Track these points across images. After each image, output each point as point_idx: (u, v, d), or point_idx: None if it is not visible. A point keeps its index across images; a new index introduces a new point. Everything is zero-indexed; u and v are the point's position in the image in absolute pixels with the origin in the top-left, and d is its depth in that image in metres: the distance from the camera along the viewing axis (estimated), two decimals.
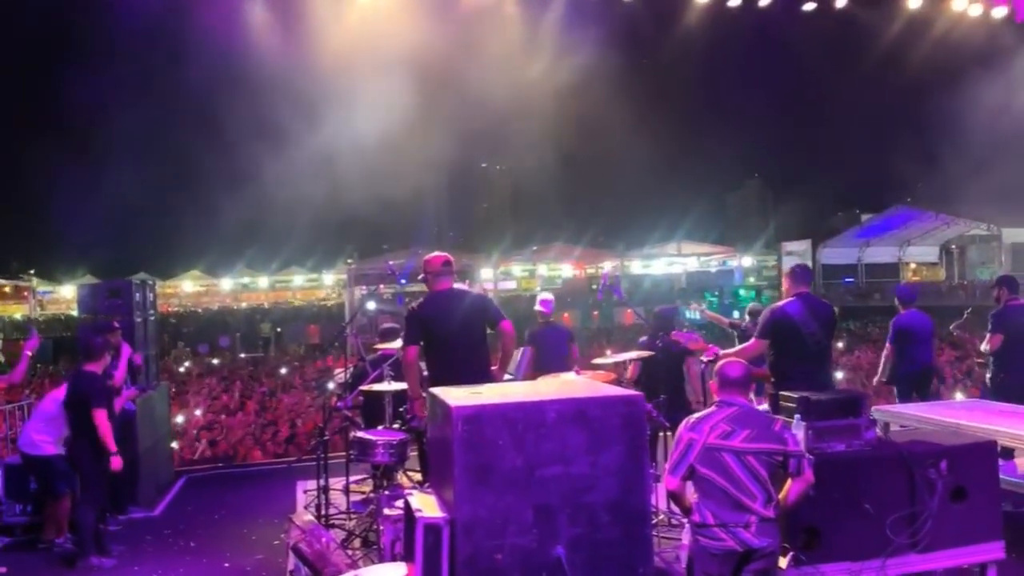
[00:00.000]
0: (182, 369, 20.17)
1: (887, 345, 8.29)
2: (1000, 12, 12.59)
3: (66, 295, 50.58)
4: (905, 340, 8.17)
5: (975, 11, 12.52)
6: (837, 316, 5.90)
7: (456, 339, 5.36)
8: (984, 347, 7.49)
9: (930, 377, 8.37)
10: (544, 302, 7.98)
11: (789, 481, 3.92)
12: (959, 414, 5.78)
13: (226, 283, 57.04)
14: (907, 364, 8.13)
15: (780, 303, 5.76)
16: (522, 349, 7.46)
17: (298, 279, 57.64)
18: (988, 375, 7.53)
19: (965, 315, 9.57)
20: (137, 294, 8.28)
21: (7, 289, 51.86)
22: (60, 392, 6.63)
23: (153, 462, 8.19)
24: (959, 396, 10.52)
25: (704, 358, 6.15)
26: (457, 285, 5.78)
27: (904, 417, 6.03)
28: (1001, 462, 5.32)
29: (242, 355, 24.37)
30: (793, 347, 5.54)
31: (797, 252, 37.62)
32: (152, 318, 8.84)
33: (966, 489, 4.55)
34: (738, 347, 5.95)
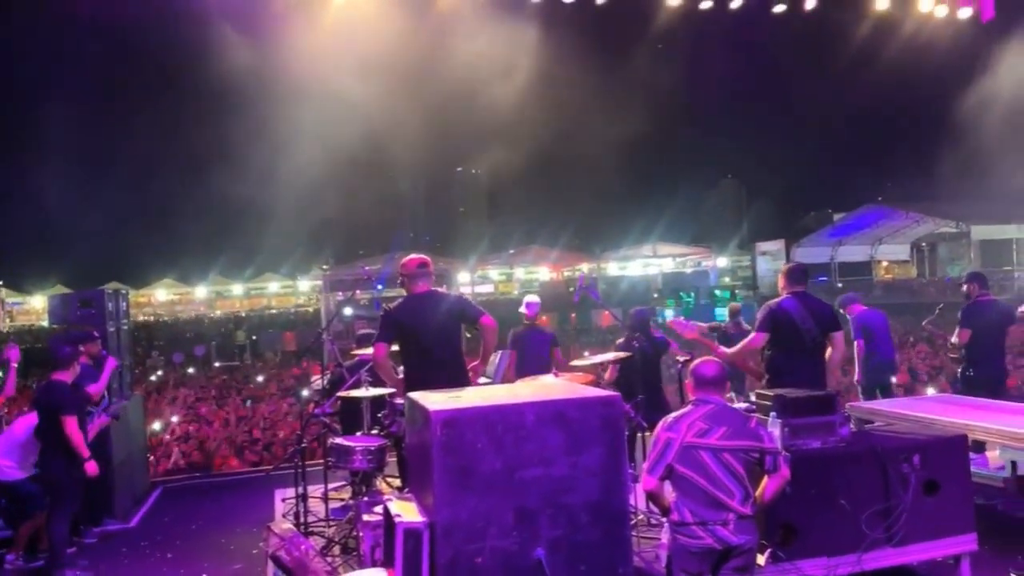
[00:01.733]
0: (155, 378, 19.93)
1: (856, 342, 8.41)
2: (966, 13, 12.81)
3: (36, 306, 49.86)
4: (868, 336, 8.32)
5: (941, 12, 12.73)
6: (837, 315, 5.99)
7: (432, 342, 5.34)
8: (954, 340, 7.63)
9: (892, 372, 8.52)
10: (529, 305, 8.03)
11: (765, 478, 3.96)
12: (931, 409, 5.87)
13: (200, 291, 56.58)
14: (872, 359, 8.28)
15: (777, 299, 5.82)
16: (501, 352, 7.47)
17: (273, 286, 57.31)
18: (959, 369, 7.67)
19: (937, 311, 9.73)
20: (109, 303, 8.19)
21: None
22: (31, 418, 6.51)
23: (128, 473, 8.09)
24: (931, 391, 10.69)
25: (679, 358, 6.19)
26: (436, 288, 5.77)
27: (877, 413, 6.10)
28: (972, 455, 5.42)
29: (217, 363, 24.13)
30: (789, 344, 5.60)
31: (771, 252, 38.03)
32: (125, 327, 8.74)
33: (938, 483, 4.62)
34: (741, 343, 5.99)
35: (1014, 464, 6.17)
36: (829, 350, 5.73)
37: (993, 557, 5.04)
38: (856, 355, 8.47)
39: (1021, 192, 33.68)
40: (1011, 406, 6.14)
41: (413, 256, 5.73)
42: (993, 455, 6.56)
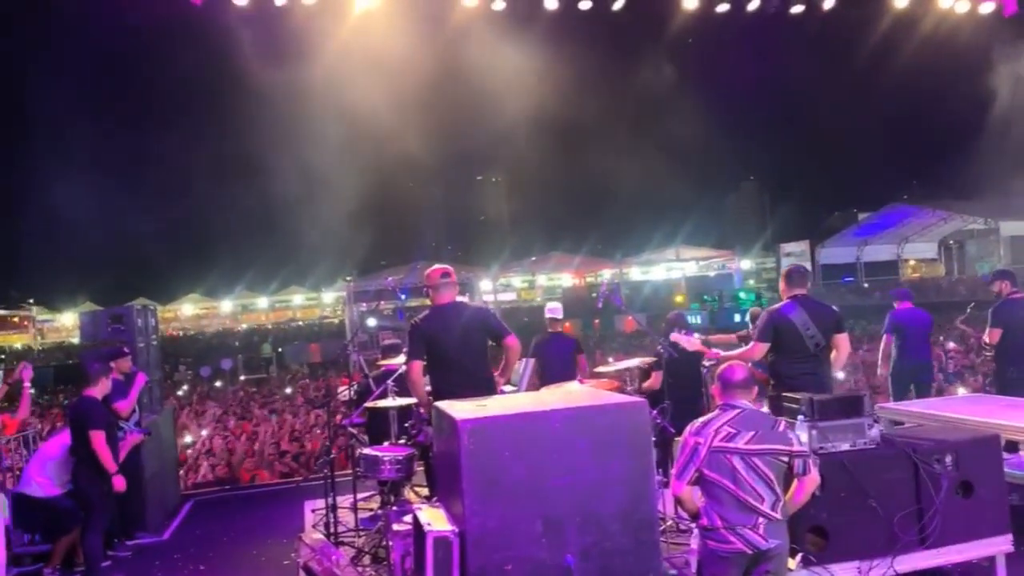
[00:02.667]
0: (182, 392, 20.16)
1: (884, 336, 8.33)
2: (988, 7, 12.65)
3: (66, 323, 50.65)
4: (902, 335, 8.22)
5: (962, 7, 12.59)
6: (840, 316, 5.92)
7: (458, 353, 5.37)
8: (985, 339, 7.53)
9: (928, 373, 8.40)
10: (552, 309, 8.20)
11: (795, 482, 3.94)
12: (962, 409, 5.80)
13: (226, 305, 57.19)
14: (902, 359, 8.18)
15: (777, 305, 5.78)
16: (525, 360, 7.48)
17: (298, 298, 57.78)
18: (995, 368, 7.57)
19: (969, 309, 9.61)
20: (139, 319, 8.30)
21: (11, 319, 51.92)
22: (65, 435, 6.63)
23: (160, 487, 8.19)
24: (962, 391, 10.54)
25: (706, 362, 6.16)
26: (460, 298, 5.80)
27: (907, 414, 6.04)
28: (1006, 455, 5.34)
29: (244, 377, 24.36)
30: (792, 349, 5.56)
31: (795, 253, 37.73)
32: (154, 343, 8.86)
33: (972, 484, 4.56)
34: (738, 351, 5.96)
35: None
36: (834, 352, 5.67)
37: None
38: (882, 349, 8.39)
39: None
40: None
41: (436, 267, 5.77)
42: None
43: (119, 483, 6.15)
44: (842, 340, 5.74)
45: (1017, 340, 7.26)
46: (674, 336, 6.63)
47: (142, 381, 7.42)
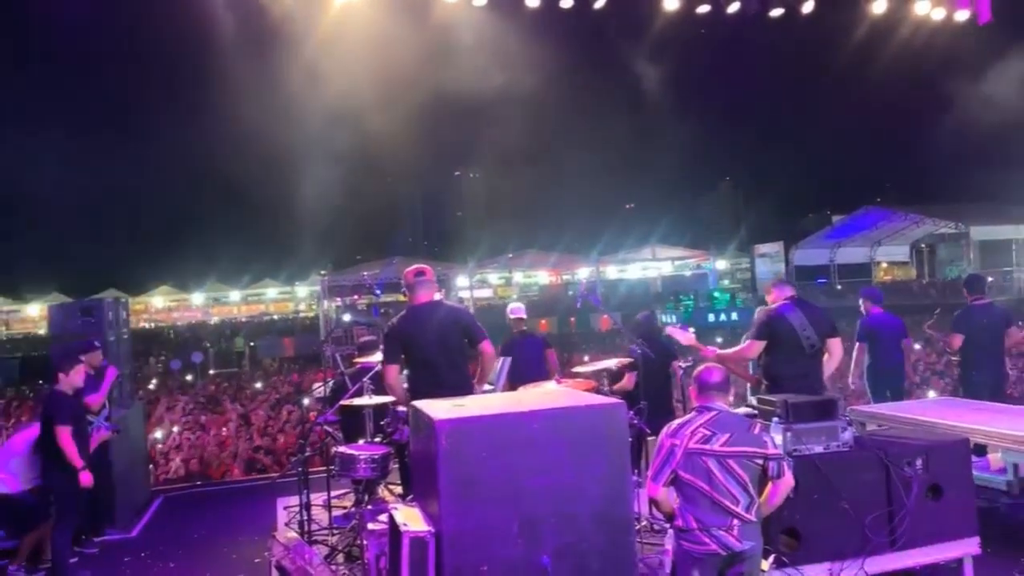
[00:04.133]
0: (152, 386, 19.90)
1: (857, 344, 8.39)
2: (963, 15, 12.83)
3: (32, 313, 49.74)
4: (875, 340, 8.29)
5: (938, 15, 12.75)
6: (833, 320, 5.99)
7: (434, 353, 5.34)
8: (948, 344, 7.64)
9: (901, 377, 8.49)
10: (515, 310, 8.13)
11: (770, 484, 3.96)
12: (932, 412, 5.88)
13: (197, 297, 56.49)
14: (878, 364, 8.25)
15: (775, 305, 5.81)
16: (502, 359, 7.47)
17: (271, 292, 57.22)
18: (959, 373, 7.67)
19: (935, 314, 9.73)
20: (110, 312, 8.19)
21: None
22: (31, 431, 6.52)
23: (129, 482, 8.08)
24: (932, 394, 10.69)
25: (682, 363, 6.19)
26: (437, 296, 5.78)
27: (879, 417, 6.12)
28: (975, 459, 5.43)
29: (215, 371, 24.11)
30: (787, 349, 5.61)
31: (770, 254, 38.07)
32: (125, 336, 8.74)
33: (941, 486, 4.63)
34: (733, 349, 5.99)
35: (1016, 467, 6.18)
36: (826, 356, 5.74)
37: (996, 560, 5.04)
38: (855, 357, 8.46)
39: (1020, 192, 33.79)
40: (1012, 409, 6.15)
41: (415, 266, 5.74)
42: (995, 458, 6.56)
43: (86, 479, 6.06)
44: (835, 344, 5.81)
45: (980, 345, 7.36)
46: (670, 330, 6.65)
47: (113, 375, 7.31)
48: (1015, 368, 13.22)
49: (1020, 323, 8.30)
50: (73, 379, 6.26)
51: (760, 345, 5.67)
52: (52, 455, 6.09)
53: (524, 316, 8.16)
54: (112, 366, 7.45)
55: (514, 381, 7.06)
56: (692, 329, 6.56)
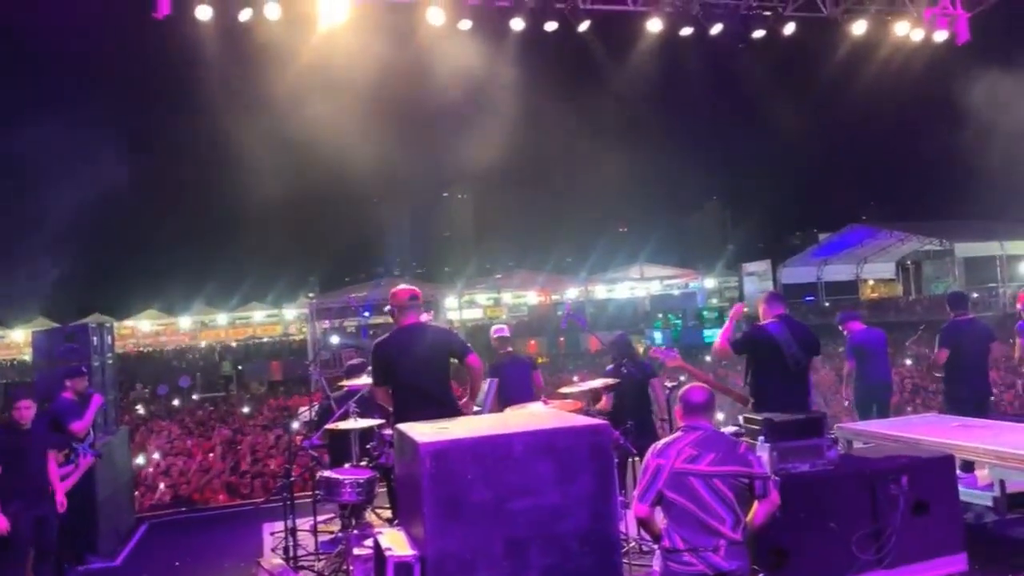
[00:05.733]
0: (141, 411, 19.73)
1: (847, 363, 8.41)
2: (941, 36, 13.02)
3: (16, 339, 49.26)
4: (861, 357, 8.32)
5: (917, 36, 12.94)
6: (817, 338, 6.01)
7: (419, 375, 5.33)
8: (933, 360, 7.68)
9: (888, 392, 8.52)
10: (499, 330, 8.14)
11: (755, 503, 3.96)
12: (917, 429, 5.90)
13: (184, 321, 56.16)
14: (864, 380, 8.28)
15: (763, 322, 5.84)
16: (489, 381, 7.46)
17: (259, 315, 56.97)
18: (944, 389, 7.70)
19: (920, 331, 9.79)
20: (94, 337, 8.12)
21: None
22: None
23: (113, 509, 7.97)
24: (919, 411, 10.73)
25: (668, 383, 6.19)
26: (424, 317, 5.78)
27: (865, 434, 6.13)
28: (961, 475, 5.44)
29: (200, 396, 23.92)
30: (773, 367, 5.62)
31: (758, 272, 38.26)
32: (110, 361, 8.66)
33: (927, 503, 4.63)
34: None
35: (1003, 483, 6.20)
36: (815, 375, 5.78)
37: None
38: (845, 375, 8.47)
39: (1003, 209, 34.17)
40: (997, 424, 6.18)
41: (404, 287, 5.74)
42: (982, 474, 6.57)
43: (59, 501, 5.97)
44: (817, 362, 5.86)
45: (965, 361, 7.39)
46: (654, 352, 6.68)
47: (98, 403, 7.23)
48: (1001, 384, 13.31)
49: (1011, 340, 8.36)
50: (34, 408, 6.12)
51: (729, 352, 5.75)
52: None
53: (508, 335, 8.13)
54: (97, 393, 7.37)
55: (501, 403, 7.05)
56: (676, 350, 6.59)
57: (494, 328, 8.31)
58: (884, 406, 8.40)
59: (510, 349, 8.11)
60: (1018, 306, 8.47)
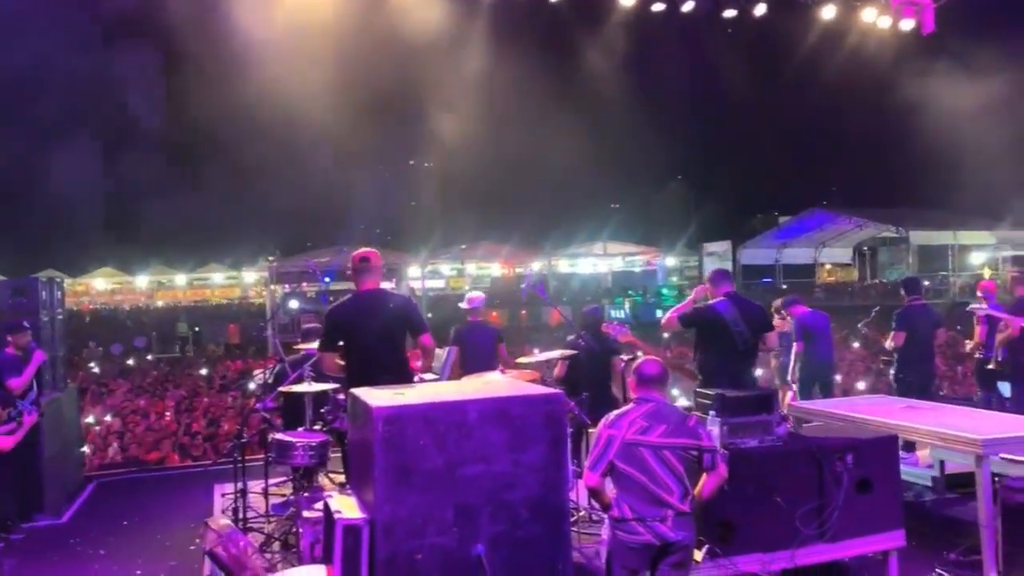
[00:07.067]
0: (95, 370, 19.38)
1: (796, 344, 8.57)
2: (908, 25, 13.19)
3: None
4: (809, 337, 8.49)
5: (884, 23, 13.08)
6: (769, 316, 6.09)
7: (375, 341, 5.28)
8: (889, 344, 7.86)
9: (831, 372, 8.72)
10: (471, 300, 7.99)
11: (704, 476, 4.03)
12: (864, 409, 6.03)
13: (141, 280, 55.10)
14: (810, 360, 8.45)
15: (711, 301, 5.90)
16: (448, 349, 7.44)
17: (217, 277, 56.09)
18: (892, 371, 7.90)
19: (873, 313, 10.00)
20: (44, 292, 7.95)
21: None
22: None
23: (60, 467, 7.85)
24: (867, 392, 10.99)
25: (624, 356, 6.25)
26: (384, 285, 5.72)
27: (814, 413, 6.26)
28: (903, 455, 5.59)
29: (156, 356, 23.57)
30: (721, 345, 5.68)
31: (718, 253, 38.65)
32: (60, 317, 8.48)
33: (871, 481, 4.75)
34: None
35: (942, 463, 6.40)
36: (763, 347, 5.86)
37: (920, 553, 5.21)
38: (793, 356, 8.63)
39: (957, 199, 34.96)
40: (940, 407, 6.35)
41: (360, 251, 5.66)
42: (923, 454, 6.79)
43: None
44: (772, 338, 5.94)
45: (916, 345, 7.60)
46: (607, 327, 6.72)
47: (39, 359, 7.07)
48: (944, 369, 13.67)
49: (958, 328, 8.59)
50: None
51: (676, 325, 5.85)
52: None
53: (477, 306, 7.97)
54: (39, 350, 7.21)
55: (464, 370, 7.04)
56: (628, 326, 6.67)
57: (468, 296, 8.16)
58: (827, 385, 8.61)
59: (480, 317, 8.02)
60: (979, 294, 8.69)
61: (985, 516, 4.90)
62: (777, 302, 9.23)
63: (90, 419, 11.91)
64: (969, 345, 8.88)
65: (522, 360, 6.94)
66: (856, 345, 17.44)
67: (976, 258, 35.18)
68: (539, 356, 6.84)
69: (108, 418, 12.46)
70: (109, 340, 25.50)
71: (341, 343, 5.35)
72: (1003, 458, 4.90)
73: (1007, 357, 7.97)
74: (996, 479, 4.92)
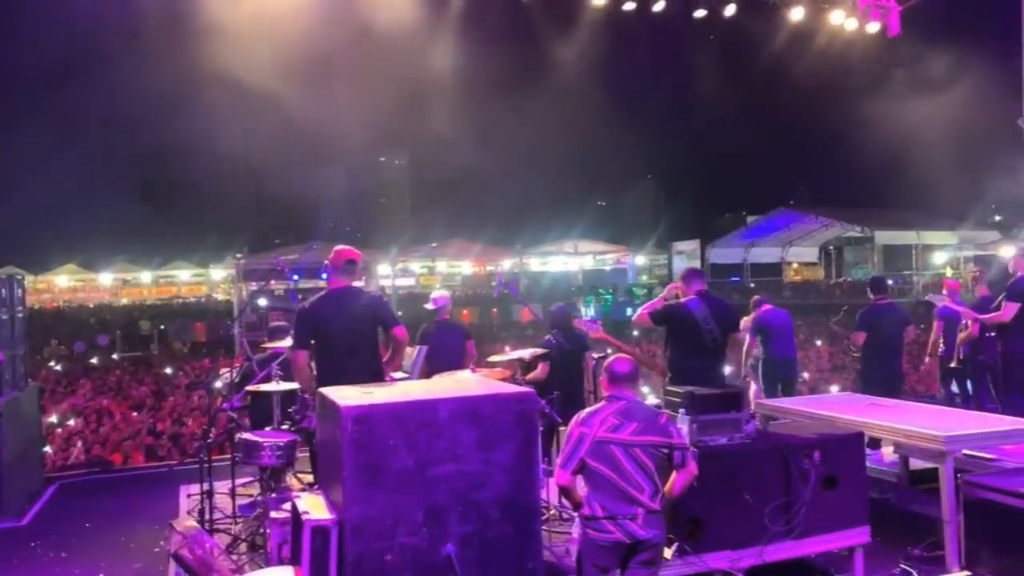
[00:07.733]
0: (58, 367, 19.01)
1: (748, 338, 8.63)
2: (874, 27, 13.39)
3: None
4: (767, 334, 8.56)
5: (851, 25, 13.27)
6: (736, 314, 6.12)
7: (347, 339, 5.24)
8: (851, 342, 7.98)
9: (792, 369, 8.81)
10: (436, 300, 7.92)
11: (674, 473, 4.04)
12: (831, 407, 6.10)
13: (105, 278, 54.17)
14: (771, 357, 8.53)
15: (682, 300, 5.92)
16: (418, 348, 7.38)
17: (183, 274, 55.34)
18: (860, 369, 8.01)
19: (842, 312, 10.14)
20: (3, 289, 7.78)
21: None
22: None
23: (21, 468, 7.68)
24: (835, 389, 11.14)
25: (595, 354, 6.25)
26: (356, 283, 5.67)
27: (781, 410, 6.32)
28: (868, 452, 5.66)
29: (118, 355, 23.16)
30: (689, 343, 5.71)
31: (686, 251, 38.99)
32: (20, 315, 8.30)
33: (837, 478, 4.80)
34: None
35: (906, 460, 6.49)
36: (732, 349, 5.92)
37: (885, 548, 5.27)
38: (745, 350, 8.67)
39: (921, 199, 35.59)
40: (905, 405, 6.44)
41: (346, 249, 5.59)
42: (887, 451, 6.88)
43: None
44: (740, 336, 5.99)
45: (882, 343, 7.71)
46: (578, 323, 6.72)
47: None
48: (909, 367, 13.90)
49: (922, 326, 8.74)
50: None
51: (647, 322, 5.89)
52: None
53: (443, 306, 7.89)
54: None
55: (430, 370, 6.99)
56: (599, 322, 6.68)
57: (433, 295, 8.07)
58: (789, 382, 8.69)
59: (446, 317, 7.95)
60: (944, 291, 8.84)
61: (948, 511, 4.97)
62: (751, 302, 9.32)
63: (53, 419, 11.67)
64: (930, 346, 9.07)
65: (494, 358, 6.92)
66: (819, 343, 17.67)
67: (939, 257, 35.88)
68: (510, 354, 6.82)
69: (71, 422, 12.22)
70: (72, 338, 25.03)
71: (313, 341, 5.30)
72: (965, 454, 4.98)
73: (968, 355, 8.13)
74: (958, 475, 5.00)
